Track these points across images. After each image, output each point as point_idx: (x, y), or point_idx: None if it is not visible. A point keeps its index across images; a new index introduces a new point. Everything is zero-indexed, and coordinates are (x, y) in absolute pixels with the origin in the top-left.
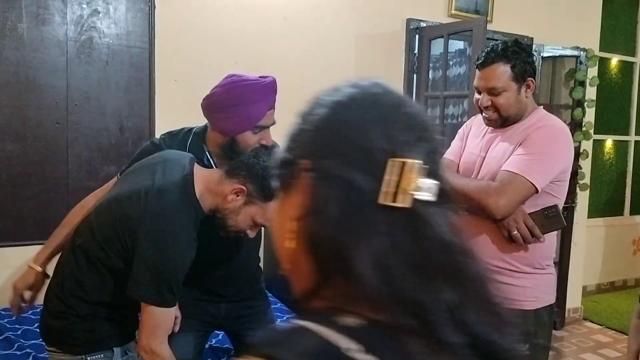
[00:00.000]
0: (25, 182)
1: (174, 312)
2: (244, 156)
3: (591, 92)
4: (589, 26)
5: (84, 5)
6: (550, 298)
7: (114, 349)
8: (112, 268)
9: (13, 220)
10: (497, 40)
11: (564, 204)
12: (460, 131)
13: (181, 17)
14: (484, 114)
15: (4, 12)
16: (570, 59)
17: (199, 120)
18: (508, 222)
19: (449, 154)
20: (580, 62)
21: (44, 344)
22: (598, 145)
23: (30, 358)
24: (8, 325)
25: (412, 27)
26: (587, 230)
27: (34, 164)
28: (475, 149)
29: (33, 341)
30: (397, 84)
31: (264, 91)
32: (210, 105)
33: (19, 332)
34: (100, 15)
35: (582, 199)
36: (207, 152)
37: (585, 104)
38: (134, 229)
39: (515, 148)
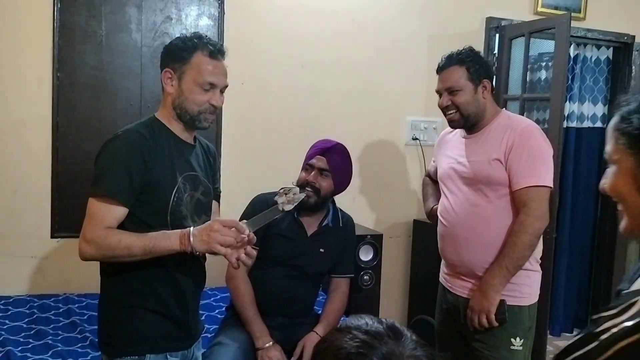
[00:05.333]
0: None
1: (108, 208)
2: (162, 51)
3: None
4: None
5: (157, 12)
6: (537, 294)
7: (148, 355)
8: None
9: None
10: (589, 39)
11: None
12: (435, 144)
13: (249, 21)
14: (446, 115)
15: (87, 20)
16: None
17: (263, 122)
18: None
19: (431, 166)
20: None
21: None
22: None
23: (88, 342)
24: (77, 310)
25: (491, 25)
26: None
27: None
28: (454, 155)
29: (95, 327)
30: None
31: None
32: None
33: (85, 318)
34: (173, 21)
35: None
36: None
37: None
38: None
39: (501, 152)
